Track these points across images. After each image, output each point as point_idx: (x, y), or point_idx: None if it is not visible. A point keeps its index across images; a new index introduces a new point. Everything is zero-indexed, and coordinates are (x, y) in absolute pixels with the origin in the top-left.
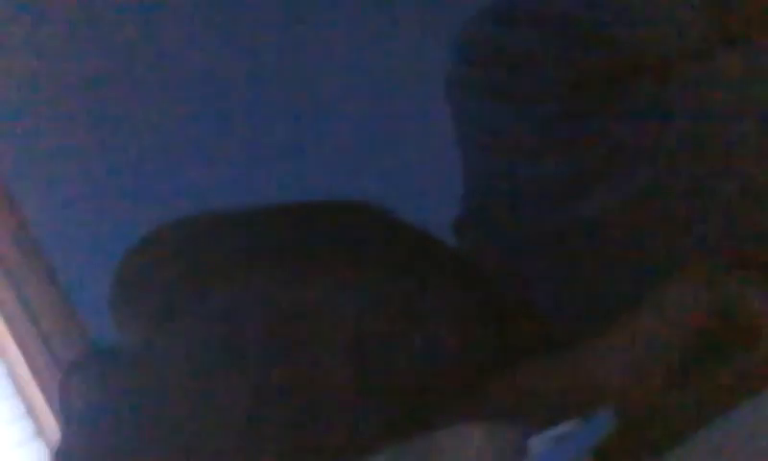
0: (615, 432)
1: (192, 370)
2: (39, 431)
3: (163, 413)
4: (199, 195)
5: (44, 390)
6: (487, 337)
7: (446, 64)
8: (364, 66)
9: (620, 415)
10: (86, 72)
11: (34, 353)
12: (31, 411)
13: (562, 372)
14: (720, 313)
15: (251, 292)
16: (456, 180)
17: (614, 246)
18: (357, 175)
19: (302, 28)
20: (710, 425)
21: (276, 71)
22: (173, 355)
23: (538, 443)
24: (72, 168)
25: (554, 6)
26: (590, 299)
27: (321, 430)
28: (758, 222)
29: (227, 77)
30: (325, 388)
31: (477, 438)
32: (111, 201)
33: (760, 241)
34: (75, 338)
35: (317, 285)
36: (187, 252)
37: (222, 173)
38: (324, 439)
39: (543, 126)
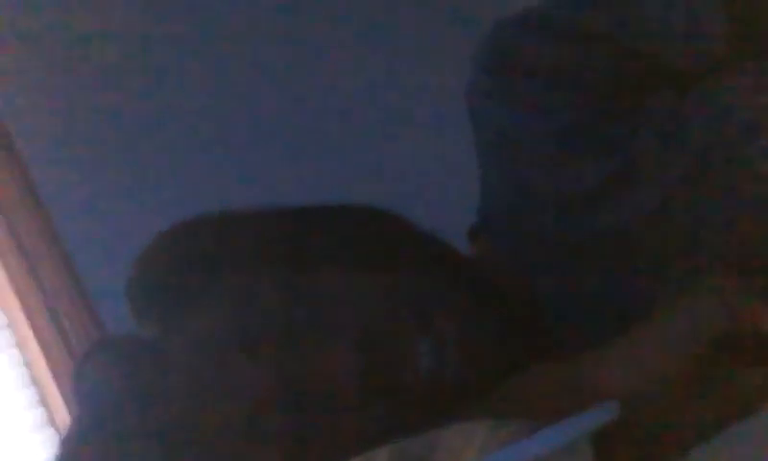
0: (619, 438)
1: (206, 360)
2: (51, 420)
3: (176, 401)
4: (218, 194)
5: (58, 380)
6: (494, 343)
7: (467, 73)
8: (384, 74)
9: (624, 421)
10: (110, 65)
11: (50, 345)
12: (44, 400)
13: (567, 377)
14: (732, 326)
15: (265, 288)
16: (473, 188)
17: (628, 258)
18: (375, 181)
19: (324, 35)
20: (715, 437)
21: (303, 80)
22: (188, 345)
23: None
24: (94, 161)
25: (575, 17)
26: (602, 311)
27: (325, 425)
28: None
29: (251, 79)
30: (332, 384)
31: (480, 434)
32: (131, 194)
33: None
34: (92, 331)
35: (329, 284)
36: (204, 247)
37: (239, 175)
38: (328, 434)
39: (561, 136)
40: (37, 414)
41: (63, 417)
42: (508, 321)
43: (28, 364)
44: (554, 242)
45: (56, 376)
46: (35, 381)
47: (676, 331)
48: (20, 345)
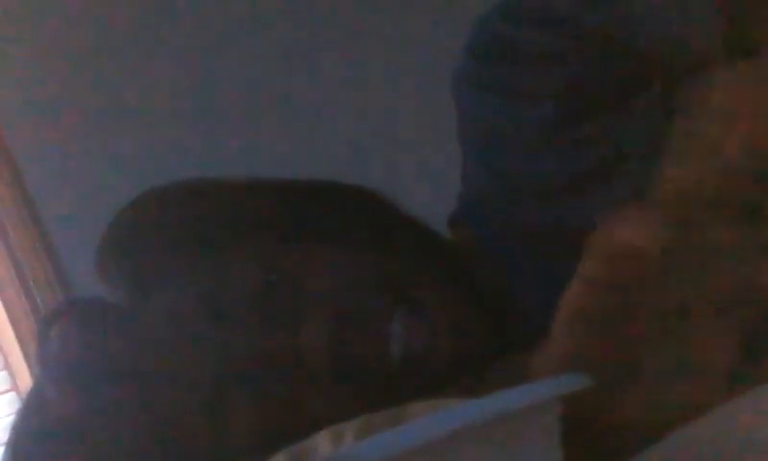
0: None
1: (174, 329)
2: (14, 384)
3: (141, 367)
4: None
5: (22, 345)
6: (469, 331)
7: (454, 60)
8: (370, 61)
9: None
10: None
11: (16, 309)
12: (7, 365)
13: (537, 365)
14: None
15: (240, 259)
16: (454, 175)
17: None
18: (357, 166)
19: (311, 23)
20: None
21: (284, 64)
22: (157, 312)
23: None
24: (68, 123)
25: (565, 8)
26: None
27: (293, 400)
28: None
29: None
30: (301, 360)
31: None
32: (104, 159)
33: None
34: (60, 296)
35: (306, 258)
36: (179, 216)
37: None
38: (296, 410)
39: (545, 125)
40: (0, 378)
41: (26, 381)
42: (484, 309)
43: None
44: (534, 232)
45: (20, 340)
46: None
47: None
48: None
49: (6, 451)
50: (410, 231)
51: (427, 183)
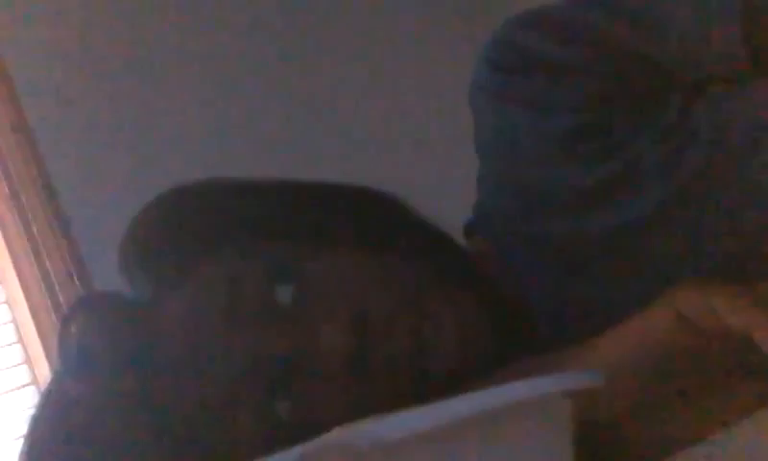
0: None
1: (191, 330)
2: (33, 378)
3: (158, 364)
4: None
5: (43, 340)
6: (484, 335)
7: (473, 69)
8: (388, 69)
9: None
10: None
11: (38, 304)
12: (28, 359)
13: (545, 370)
14: (681, 335)
15: (259, 261)
16: (470, 183)
17: (619, 262)
18: (370, 170)
19: (329, 29)
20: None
21: (304, 73)
22: (176, 310)
23: None
24: (93, 119)
25: (584, 19)
26: (592, 313)
27: (307, 402)
28: None
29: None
30: (322, 360)
31: None
32: (129, 152)
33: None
34: (81, 292)
35: (324, 260)
36: (200, 214)
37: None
38: (310, 411)
39: (563, 137)
40: (21, 372)
41: (46, 376)
42: (498, 315)
43: (15, 321)
44: (548, 242)
45: (42, 335)
46: (20, 339)
47: (630, 336)
48: (9, 302)
49: (24, 444)
50: (424, 235)
51: (442, 190)
